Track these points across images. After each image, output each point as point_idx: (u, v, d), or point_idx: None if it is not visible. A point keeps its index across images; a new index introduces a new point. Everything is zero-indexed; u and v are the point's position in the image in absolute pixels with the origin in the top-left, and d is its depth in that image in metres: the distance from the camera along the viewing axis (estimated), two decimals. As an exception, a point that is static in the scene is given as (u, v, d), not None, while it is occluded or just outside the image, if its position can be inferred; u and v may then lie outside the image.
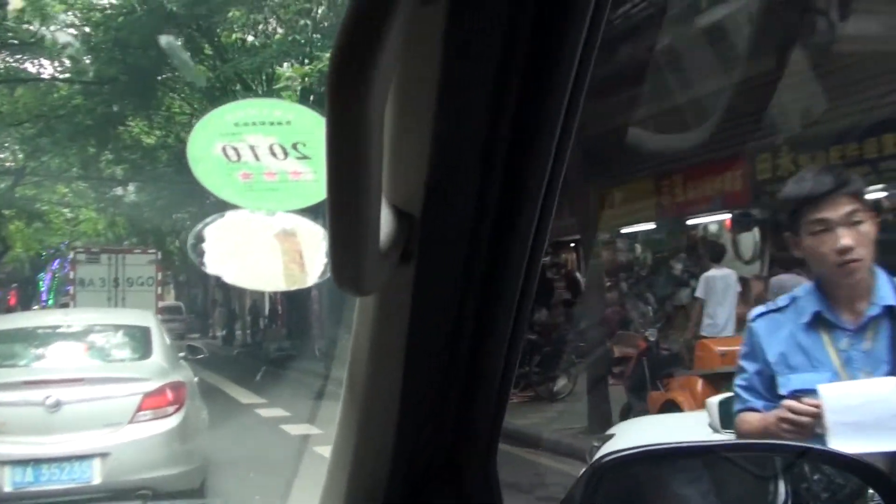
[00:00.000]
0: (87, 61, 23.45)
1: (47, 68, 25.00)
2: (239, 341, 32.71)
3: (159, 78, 22.86)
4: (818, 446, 2.11)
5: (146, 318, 8.60)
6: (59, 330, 8.13)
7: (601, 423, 9.69)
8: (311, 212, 2.04)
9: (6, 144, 28.12)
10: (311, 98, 16.76)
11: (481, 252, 1.01)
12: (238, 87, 20.40)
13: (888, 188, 12.31)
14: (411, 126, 0.92)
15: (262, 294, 37.68)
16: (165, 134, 27.52)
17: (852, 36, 11.02)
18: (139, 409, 6.65)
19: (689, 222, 16.11)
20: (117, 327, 8.22)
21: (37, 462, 6.31)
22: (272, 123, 2.11)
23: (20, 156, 29.04)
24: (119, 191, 33.06)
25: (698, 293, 10.92)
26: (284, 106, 2.35)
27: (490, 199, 0.98)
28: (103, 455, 6.44)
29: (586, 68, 0.93)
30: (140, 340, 7.69)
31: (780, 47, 11.83)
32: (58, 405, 6.39)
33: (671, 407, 8.06)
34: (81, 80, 23.56)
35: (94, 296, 22.67)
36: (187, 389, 7.15)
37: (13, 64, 24.74)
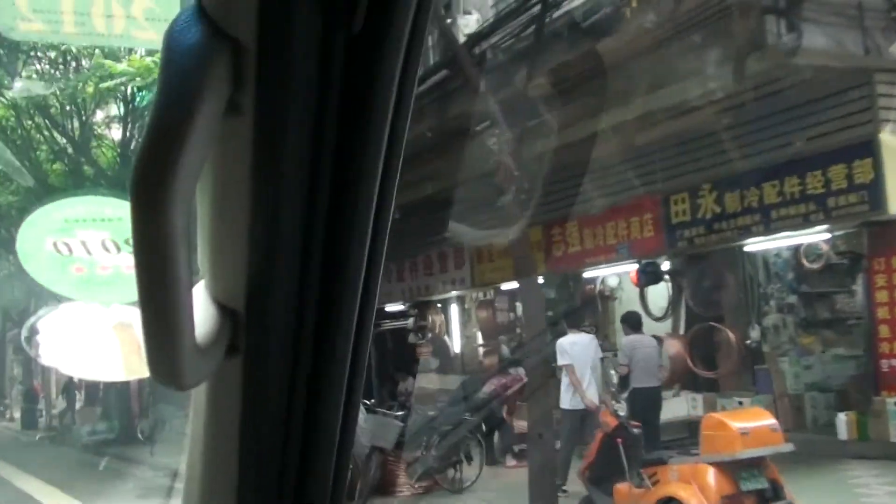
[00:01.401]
0: None
1: None
2: (43, 424, 28.18)
3: None
4: None
5: None
6: None
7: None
8: None
9: None
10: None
11: (308, 339, 1.02)
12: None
13: (831, 229, 11.00)
14: (229, 224, 0.94)
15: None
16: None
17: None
18: None
19: (587, 275, 14.38)
20: None
21: None
22: (103, 220, 2.16)
23: None
24: None
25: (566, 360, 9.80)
26: (115, 203, 2.28)
27: (312, 287, 0.99)
28: None
29: (397, 150, 0.97)
30: None
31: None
32: None
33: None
34: None
35: None
36: None
37: None
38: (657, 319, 12.64)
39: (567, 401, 9.71)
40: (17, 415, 32.44)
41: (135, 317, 1.49)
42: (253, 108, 0.86)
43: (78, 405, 24.10)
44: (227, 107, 0.83)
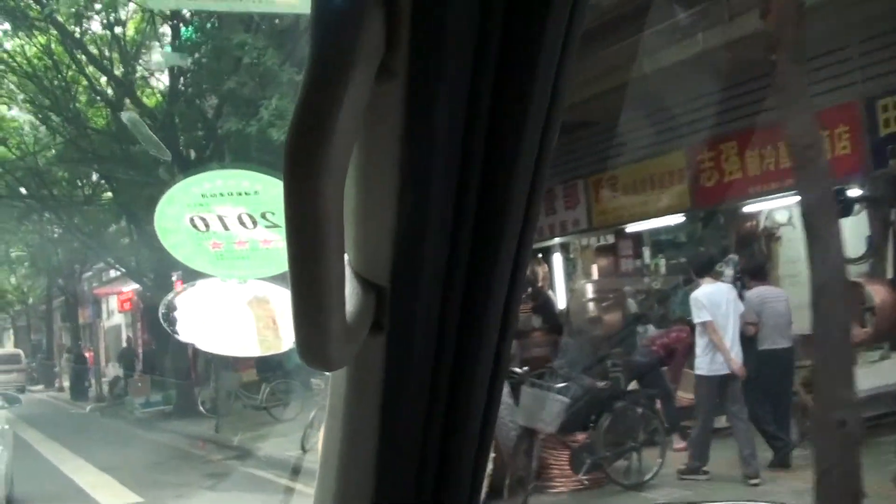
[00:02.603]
0: None
1: None
2: (93, 394, 26.26)
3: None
4: None
5: None
6: None
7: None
8: (283, 278, 1.72)
9: None
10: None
11: (454, 317, 0.99)
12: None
13: None
14: (377, 197, 0.91)
15: (115, 335, 31.67)
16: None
17: None
18: None
19: (747, 209, 11.70)
20: None
21: None
22: (240, 194, 2.11)
23: None
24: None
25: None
26: (252, 176, 2.25)
27: (460, 264, 0.96)
28: None
29: (556, 117, 0.93)
30: None
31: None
32: None
33: None
34: None
35: None
36: None
37: None
38: (854, 261, 9.91)
39: (705, 365, 8.09)
40: (67, 384, 30.78)
41: (271, 292, 1.99)
42: (405, 71, 0.84)
43: (130, 373, 21.92)
44: (377, 71, 0.80)
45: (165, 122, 18.01)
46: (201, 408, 16.72)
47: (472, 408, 1.05)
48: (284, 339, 2.04)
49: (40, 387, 35.43)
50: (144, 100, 19.28)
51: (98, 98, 19.36)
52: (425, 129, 0.87)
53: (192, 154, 18.43)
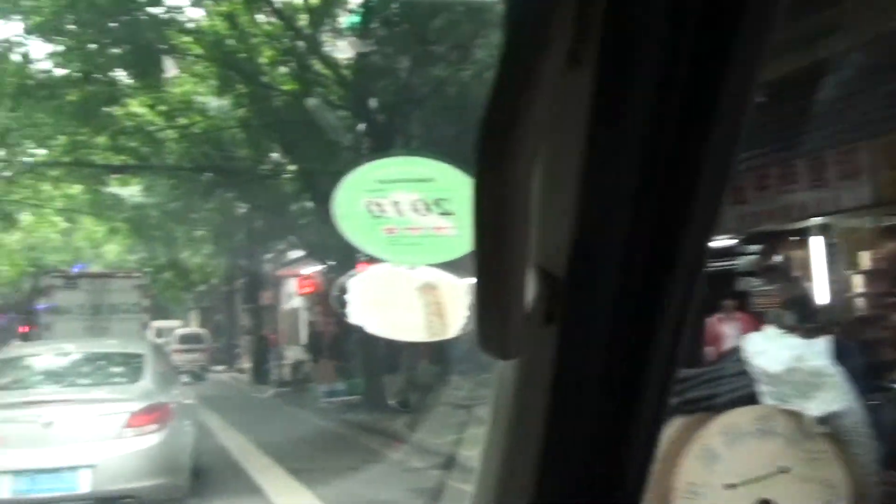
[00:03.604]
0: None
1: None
2: (275, 378, 25.40)
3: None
4: None
5: (141, 346, 9.92)
6: (63, 356, 9.34)
7: None
8: (453, 265, 2.03)
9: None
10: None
11: (629, 313, 0.97)
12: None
13: None
14: (557, 186, 0.92)
15: (293, 318, 30.94)
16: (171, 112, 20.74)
17: None
18: (125, 426, 7.31)
19: None
20: (111, 355, 9.40)
21: (33, 472, 7.04)
22: (416, 180, 2.16)
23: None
24: (119, 190, 26.05)
25: None
26: (428, 164, 2.28)
27: (639, 258, 0.94)
28: (91, 467, 7.12)
29: (744, 120, 0.90)
30: (132, 366, 8.50)
31: None
32: (50, 423, 7.12)
33: None
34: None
35: (69, 326, 19.39)
36: (173, 410, 7.91)
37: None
38: None
39: None
40: (247, 365, 30.37)
41: (440, 279, 1.98)
42: (594, 61, 0.84)
43: (317, 358, 20.67)
44: (566, 59, 0.81)
45: (356, 84, 16.47)
46: (390, 401, 15.02)
47: (644, 407, 1.01)
48: (451, 325, 2.00)
49: (221, 367, 35.49)
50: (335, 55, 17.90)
51: (284, 60, 18.07)
52: (611, 119, 0.86)
53: (384, 119, 16.81)
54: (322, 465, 10.56)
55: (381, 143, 16.69)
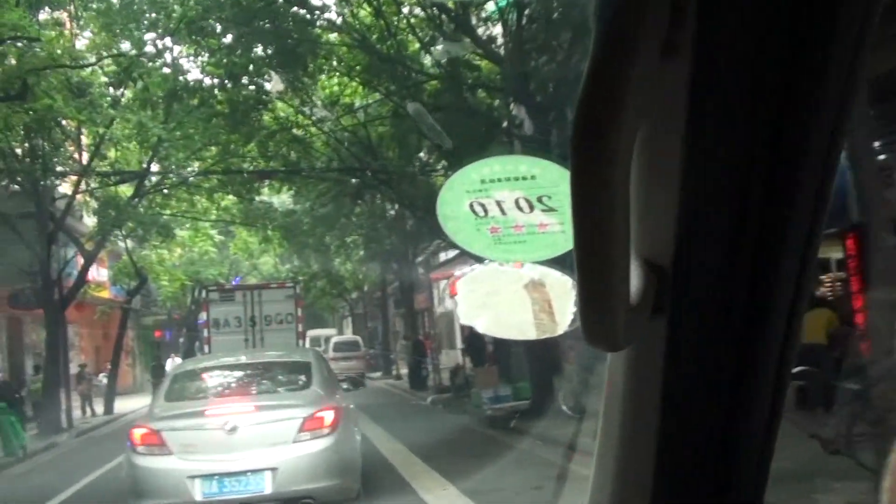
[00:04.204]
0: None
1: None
2: (432, 383, 24.52)
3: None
4: None
5: (307, 355, 10.51)
6: (236, 367, 9.86)
7: None
8: (558, 262, 2.03)
9: (123, 139, 21.19)
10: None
11: (737, 303, 0.95)
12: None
13: None
14: (659, 177, 0.91)
15: (448, 321, 30.09)
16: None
17: None
18: (300, 430, 7.60)
19: None
20: (283, 364, 9.72)
21: (220, 476, 7.38)
22: (517, 178, 2.18)
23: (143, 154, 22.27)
24: (270, 198, 25.91)
25: None
26: (528, 161, 2.28)
27: (744, 250, 0.93)
28: (273, 469, 7.42)
29: (850, 105, 0.88)
30: (301, 374, 8.78)
31: None
32: (234, 429, 7.46)
33: None
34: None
35: (229, 339, 19.61)
36: (342, 414, 8.10)
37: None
38: None
39: None
40: (404, 371, 29.77)
41: (546, 275, 2.00)
42: (691, 49, 0.83)
43: (481, 363, 19.56)
44: (662, 47, 0.79)
45: (511, 66, 15.34)
46: (564, 407, 13.68)
47: (758, 402, 1.01)
48: (560, 322, 1.97)
49: (378, 374, 35.15)
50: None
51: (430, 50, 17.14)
52: (711, 107, 0.85)
53: (543, 101, 15.58)
54: (498, 483, 9.38)
55: (542, 125, 15.48)
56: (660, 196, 0.90)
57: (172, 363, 29.18)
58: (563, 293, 2.10)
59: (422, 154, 22.09)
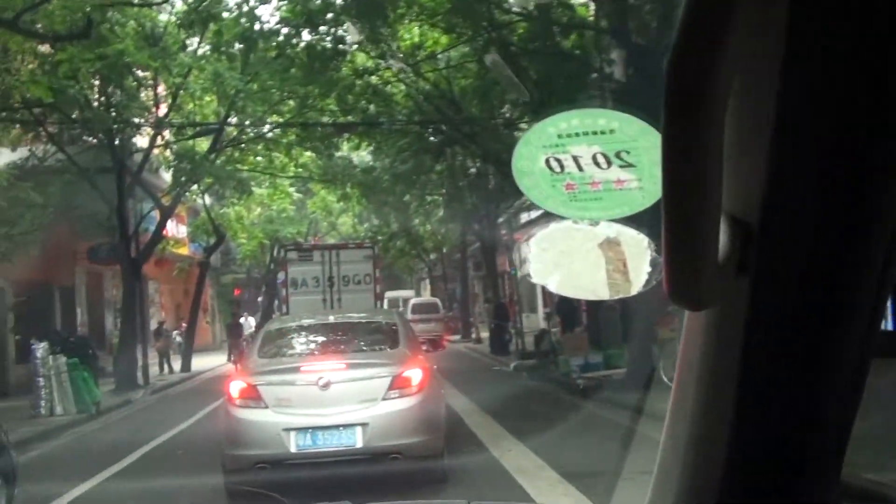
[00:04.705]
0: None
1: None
2: (514, 348, 23.58)
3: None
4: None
5: (392, 316, 10.59)
6: (325, 326, 10.03)
7: None
8: (634, 220, 1.87)
9: (199, 89, 20.59)
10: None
11: (823, 264, 0.92)
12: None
13: None
14: (749, 130, 0.87)
15: (530, 284, 29.02)
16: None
17: None
18: (390, 388, 7.83)
19: None
20: (370, 324, 9.95)
21: (314, 429, 7.68)
22: (595, 133, 2.01)
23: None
24: (350, 154, 25.12)
25: None
26: (608, 114, 2.06)
27: (835, 210, 0.89)
28: (363, 425, 7.69)
29: None
30: (389, 334, 9.11)
31: None
32: (328, 385, 7.75)
33: None
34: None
35: (307, 299, 19.04)
36: (429, 374, 8.33)
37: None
38: None
39: None
40: (483, 335, 28.91)
41: (622, 234, 1.87)
42: None
43: (570, 327, 18.50)
44: None
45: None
46: (665, 378, 12.53)
47: (840, 371, 0.96)
48: (634, 282, 1.83)
49: (456, 337, 34.40)
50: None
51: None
52: (808, 57, 0.81)
53: (638, 41, 14.28)
54: (600, 465, 8.37)
55: (639, 71, 14.21)
56: (750, 150, 0.86)
57: (247, 323, 28.91)
58: (639, 252, 1.98)
59: (505, 109, 20.99)
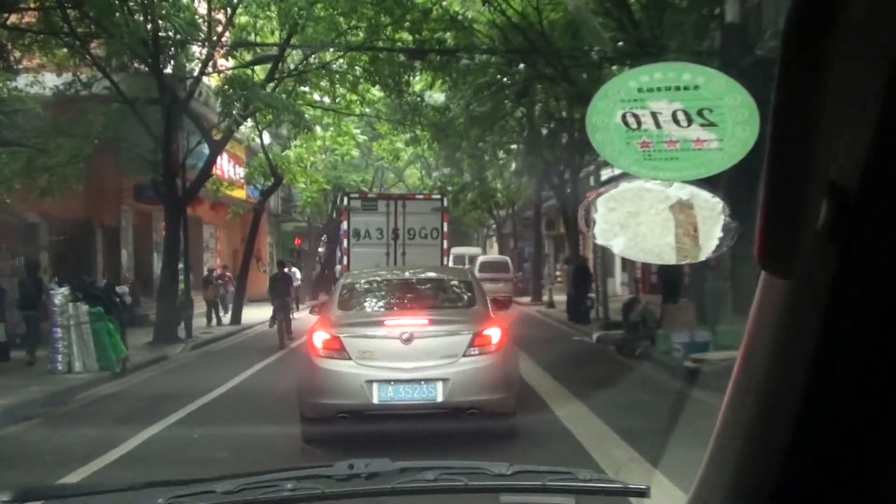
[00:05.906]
0: None
1: None
2: (596, 316, 21.13)
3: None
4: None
5: (466, 275, 10.63)
6: (404, 281, 9.99)
7: None
8: (711, 182, 1.94)
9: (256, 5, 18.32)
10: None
11: None
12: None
13: None
14: (858, 95, 0.81)
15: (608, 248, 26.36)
16: None
17: None
18: (470, 345, 7.97)
19: None
20: (446, 281, 10.00)
21: (396, 382, 7.81)
22: (678, 88, 2.08)
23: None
24: (422, 92, 22.64)
25: None
26: (693, 69, 2.19)
27: None
28: (444, 380, 7.83)
29: None
30: (465, 292, 9.22)
31: None
32: (410, 339, 7.89)
33: None
34: None
35: (369, 251, 17.42)
36: (507, 333, 8.38)
37: None
38: None
39: None
40: (556, 298, 26.52)
41: (695, 197, 1.86)
42: None
43: (673, 298, 15.94)
44: None
45: None
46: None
47: None
48: (704, 248, 1.90)
49: (526, 299, 32.07)
50: None
51: None
52: None
53: None
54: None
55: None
56: (858, 114, 0.79)
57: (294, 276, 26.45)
58: (712, 217, 1.95)
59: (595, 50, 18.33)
